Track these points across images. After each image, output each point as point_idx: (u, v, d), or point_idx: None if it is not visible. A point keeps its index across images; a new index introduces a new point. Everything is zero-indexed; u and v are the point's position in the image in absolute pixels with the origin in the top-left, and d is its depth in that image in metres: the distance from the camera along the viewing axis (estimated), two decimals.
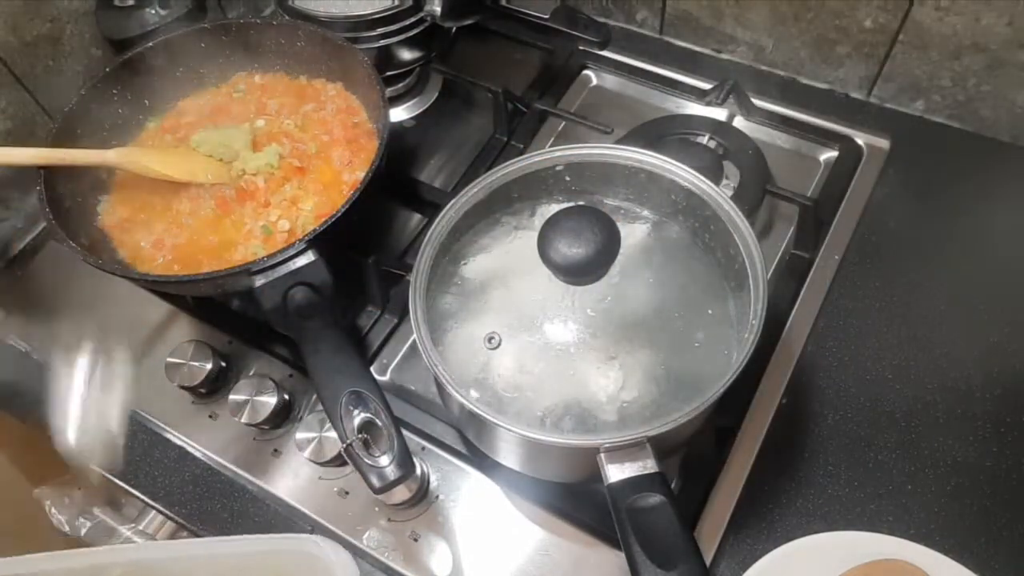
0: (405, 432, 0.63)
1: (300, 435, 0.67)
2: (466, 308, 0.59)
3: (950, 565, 0.59)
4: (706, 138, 0.83)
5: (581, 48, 0.93)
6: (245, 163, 0.76)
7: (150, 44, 0.80)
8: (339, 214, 0.66)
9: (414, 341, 0.56)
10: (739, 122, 0.87)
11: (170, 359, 0.72)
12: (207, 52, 0.83)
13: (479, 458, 0.68)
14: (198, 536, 0.69)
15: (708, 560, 0.62)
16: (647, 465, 0.51)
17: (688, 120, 0.86)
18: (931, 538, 0.61)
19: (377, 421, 0.57)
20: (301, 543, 0.57)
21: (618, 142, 0.80)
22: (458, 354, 0.57)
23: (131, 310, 0.80)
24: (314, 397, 0.72)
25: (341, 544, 0.65)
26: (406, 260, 0.80)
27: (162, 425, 0.74)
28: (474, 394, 0.55)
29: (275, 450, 0.71)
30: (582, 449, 0.52)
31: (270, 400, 0.69)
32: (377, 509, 0.67)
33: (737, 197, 0.77)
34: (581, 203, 0.61)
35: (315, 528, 0.67)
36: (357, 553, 0.65)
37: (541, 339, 0.56)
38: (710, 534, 0.64)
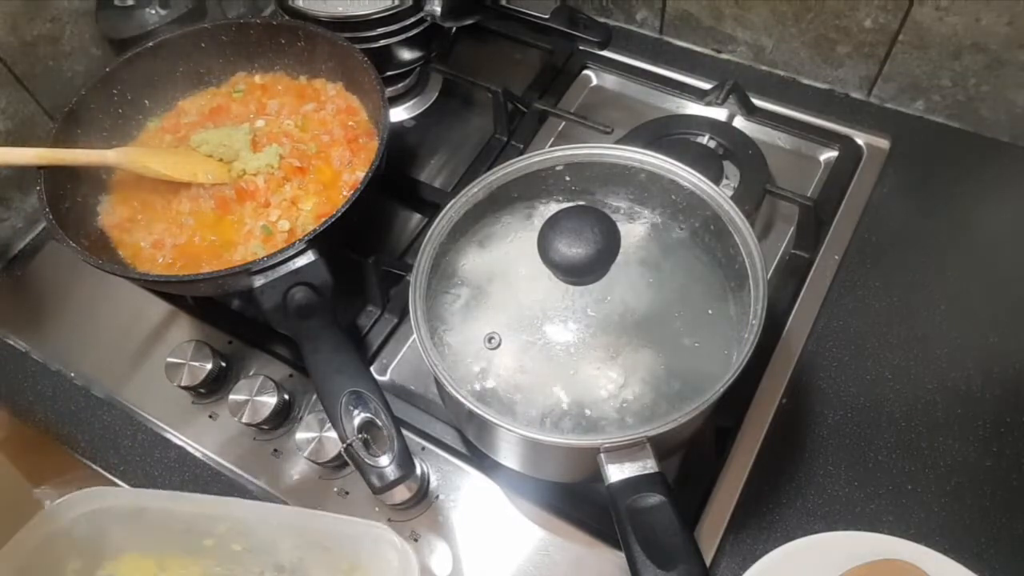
0: (405, 432, 0.63)
1: (300, 435, 0.67)
2: (466, 308, 0.59)
3: (950, 565, 0.59)
4: (706, 138, 0.83)
5: (581, 48, 0.93)
6: (245, 163, 0.76)
7: (150, 44, 0.80)
8: (339, 214, 0.66)
9: (414, 341, 0.57)
10: (739, 122, 0.87)
11: (170, 359, 0.72)
12: (207, 52, 0.83)
13: (479, 458, 0.68)
14: None
15: (708, 560, 0.62)
16: (647, 465, 0.51)
17: (688, 120, 0.86)
18: (931, 538, 0.61)
19: (377, 421, 0.57)
20: (370, 530, 0.60)
21: (618, 142, 0.80)
22: (458, 354, 0.57)
23: (131, 310, 0.81)
24: (314, 397, 0.72)
25: None
26: (406, 260, 0.80)
27: (162, 425, 0.74)
28: (474, 394, 0.54)
29: (275, 450, 0.71)
30: (582, 449, 0.52)
31: (270, 400, 0.69)
32: (377, 509, 0.67)
33: (737, 197, 0.77)
34: (581, 203, 0.61)
35: None
36: None
37: (541, 339, 0.56)
38: (710, 534, 0.64)
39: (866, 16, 0.82)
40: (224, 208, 0.74)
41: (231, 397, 0.70)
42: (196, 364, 0.72)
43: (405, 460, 0.56)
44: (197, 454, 0.72)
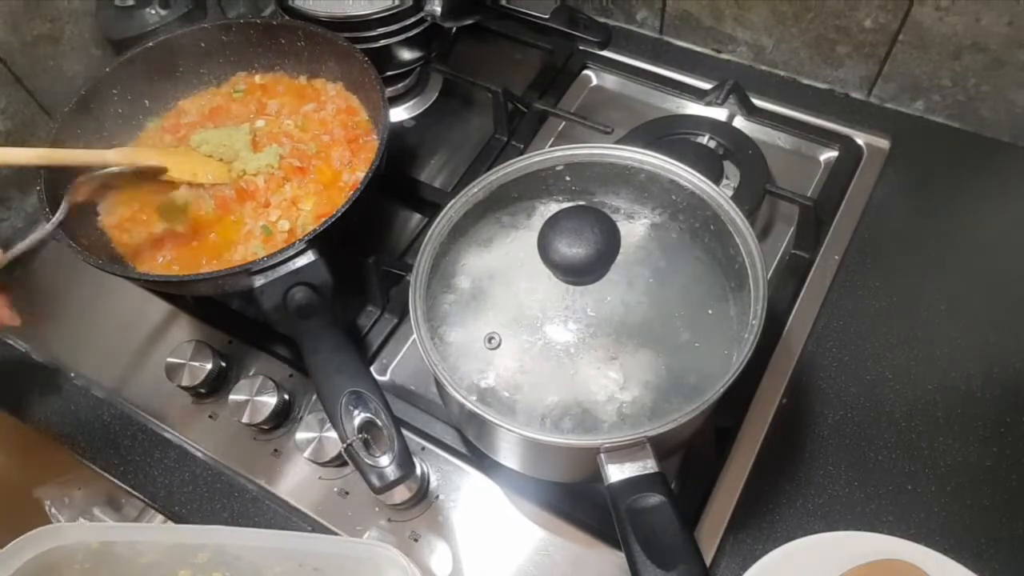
0: (405, 432, 0.63)
1: (300, 435, 0.67)
2: (466, 308, 0.59)
3: (950, 565, 0.59)
4: (706, 138, 0.83)
5: (581, 48, 0.93)
6: (245, 163, 0.76)
7: (150, 44, 0.80)
8: (339, 214, 0.66)
9: (414, 341, 0.57)
10: (739, 122, 0.87)
11: (170, 359, 0.72)
12: (207, 52, 0.83)
13: (479, 458, 0.68)
14: None
15: (708, 560, 0.63)
16: (647, 465, 0.51)
17: (688, 120, 0.86)
18: (931, 538, 0.61)
19: (377, 421, 0.57)
20: (375, 551, 0.57)
21: (618, 142, 0.80)
22: (458, 354, 0.57)
23: (131, 310, 0.81)
24: (314, 397, 0.72)
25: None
26: (406, 260, 0.80)
27: (162, 425, 0.74)
28: (474, 394, 0.54)
29: (275, 450, 0.71)
30: (582, 449, 0.52)
31: (270, 400, 0.70)
32: (377, 509, 0.67)
33: (737, 197, 0.77)
34: (581, 203, 0.61)
35: (315, 528, 0.67)
36: None
37: (541, 339, 0.56)
38: (710, 534, 0.64)
39: (866, 16, 0.82)
40: (224, 208, 0.74)
41: (231, 397, 0.70)
42: (196, 364, 0.72)
43: (405, 460, 0.56)
44: (197, 454, 0.72)
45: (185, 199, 0.74)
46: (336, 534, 0.66)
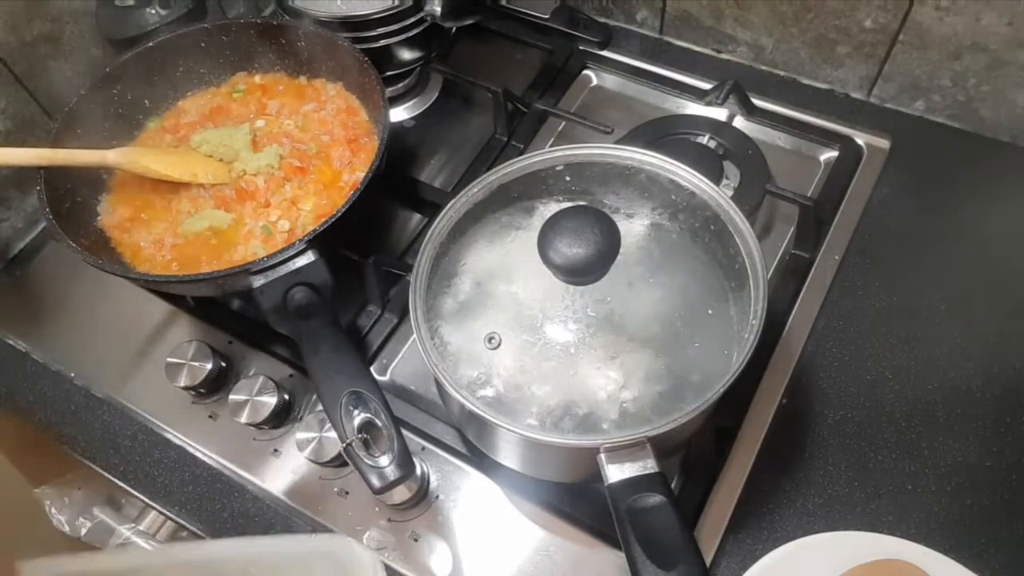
0: (405, 432, 0.63)
1: (300, 435, 0.67)
2: (466, 308, 0.59)
3: (950, 565, 0.59)
4: (706, 138, 0.83)
5: (581, 48, 0.93)
6: (245, 163, 0.76)
7: (150, 44, 0.80)
8: (339, 214, 0.66)
9: (414, 341, 0.57)
10: (739, 122, 0.87)
11: (170, 359, 0.72)
12: (207, 52, 0.83)
13: (479, 458, 0.68)
14: (199, 537, 0.69)
15: (708, 560, 0.62)
16: (647, 465, 0.51)
17: (688, 120, 0.86)
18: (931, 538, 0.61)
19: (377, 421, 0.57)
20: (331, 544, 0.58)
21: (618, 142, 0.80)
22: (458, 354, 0.57)
23: (131, 310, 0.81)
24: (314, 397, 0.72)
25: None
26: (406, 260, 0.80)
27: (162, 425, 0.74)
28: (474, 394, 0.54)
29: (275, 450, 0.71)
30: (582, 449, 0.53)
31: (270, 400, 0.69)
32: (377, 509, 0.67)
33: (737, 197, 0.77)
34: (581, 203, 0.61)
35: (315, 528, 0.67)
36: None
37: (541, 339, 0.56)
38: (710, 534, 0.64)
39: (866, 16, 0.82)
40: (224, 208, 0.74)
41: (231, 397, 0.70)
42: (196, 364, 0.72)
43: (405, 460, 0.56)
44: (197, 454, 0.72)
45: (207, 221, 0.74)
46: (335, 534, 0.66)
